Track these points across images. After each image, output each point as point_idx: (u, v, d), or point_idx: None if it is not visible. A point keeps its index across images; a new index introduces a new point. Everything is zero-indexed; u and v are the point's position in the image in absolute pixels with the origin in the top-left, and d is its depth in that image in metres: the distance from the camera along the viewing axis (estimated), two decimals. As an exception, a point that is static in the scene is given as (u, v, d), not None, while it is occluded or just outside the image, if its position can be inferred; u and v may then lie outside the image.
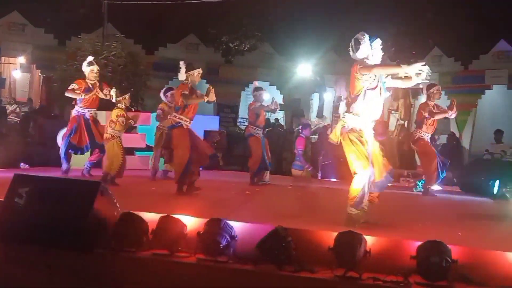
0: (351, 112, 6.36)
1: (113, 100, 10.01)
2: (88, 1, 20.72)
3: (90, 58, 10.72)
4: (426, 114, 10.12)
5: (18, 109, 18.34)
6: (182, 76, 8.49)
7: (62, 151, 10.40)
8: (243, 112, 22.79)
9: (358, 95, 6.30)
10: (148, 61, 18.47)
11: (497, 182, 9.85)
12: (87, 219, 5.76)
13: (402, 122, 20.82)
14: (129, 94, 10.25)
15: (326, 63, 22.97)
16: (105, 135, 9.88)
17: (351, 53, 6.40)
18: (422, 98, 20.98)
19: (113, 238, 5.87)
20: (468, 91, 19.24)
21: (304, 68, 22.28)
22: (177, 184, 8.42)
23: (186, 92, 8.37)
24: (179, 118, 8.42)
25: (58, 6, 22.88)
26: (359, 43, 6.34)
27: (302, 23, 24.04)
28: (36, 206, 5.99)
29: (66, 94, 10.48)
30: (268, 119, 20.23)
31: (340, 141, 6.43)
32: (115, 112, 9.80)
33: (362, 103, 6.29)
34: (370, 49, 6.36)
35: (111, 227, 5.93)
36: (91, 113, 10.49)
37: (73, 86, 10.36)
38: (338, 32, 23.47)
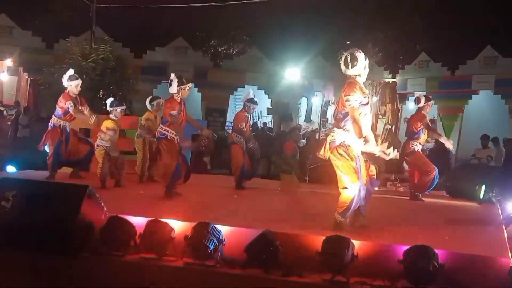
0: (341, 128, 6.32)
1: (92, 120, 10.05)
2: (76, 5, 20.65)
3: (71, 72, 10.46)
4: (422, 126, 10.08)
5: (5, 112, 18.26)
6: (173, 89, 8.54)
7: (53, 163, 10.25)
8: (231, 116, 22.81)
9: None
10: (136, 64, 18.45)
11: (483, 187, 9.90)
12: (74, 222, 5.74)
13: (390, 126, 20.94)
14: (123, 107, 10.19)
15: (315, 68, 23.04)
16: (95, 143, 9.89)
17: (343, 68, 6.30)
18: (409, 104, 21.25)
19: (101, 242, 5.85)
20: (455, 96, 19.41)
21: (292, 73, 22.33)
22: (166, 192, 8.49)
23: (175, 113, 8.48)
24: (165, 130, 8.52)
25: (46, 9, 22.82)
26: (356, 60, 6.24)
27: (290, 28, 24.12)
28: (23, 209, 5.96)
29: (78, 115, 10.36)
30: (255, 123, 20.30)
31: (329, 156, 6.37)
32: (106, 123, 9.77)
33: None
34: (363, 67, 6.32)
35: (98, 231, 5.90)
36: (70, 127, 10.48)
37: (69, 104, 10.11)
38: (327, 37, 23.61)
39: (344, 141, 6.27)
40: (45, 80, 15.42)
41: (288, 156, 12.71)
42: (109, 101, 10.15)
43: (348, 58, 6.26)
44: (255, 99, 10.73)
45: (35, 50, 19.03)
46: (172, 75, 8.66)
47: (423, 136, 10.19)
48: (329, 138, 6.41)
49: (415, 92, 20.39)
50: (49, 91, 10.95)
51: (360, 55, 6.29)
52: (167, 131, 8.49)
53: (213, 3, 18.68)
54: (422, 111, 10.24)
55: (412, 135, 10.26)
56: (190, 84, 8.74)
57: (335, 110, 6.54)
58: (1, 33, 19.27)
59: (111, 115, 9.91)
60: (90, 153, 10.60)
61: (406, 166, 11.79)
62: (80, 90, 10.38)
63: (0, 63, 20.46)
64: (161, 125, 8.69)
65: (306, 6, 23.38)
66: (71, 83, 10.24)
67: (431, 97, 10.65)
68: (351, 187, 6.20)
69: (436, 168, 10.16)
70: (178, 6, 19.13)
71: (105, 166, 9.58)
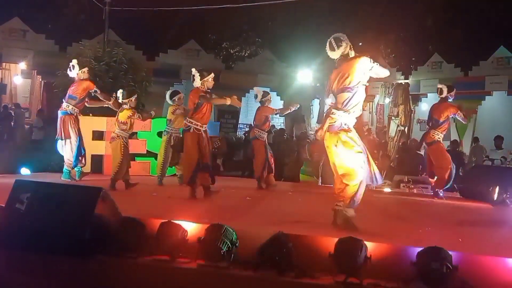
0: (342, 109, 6.19)
1: (120, 101, 10.07)
2: (89, 7, 20.75)
3: (74, 61, 10.76)
4: (446, 116, 10.05)
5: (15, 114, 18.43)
6: (197, 83, 8.60)
7: (75, 161, 10.42)
8: (243, 118, 22.83)
9: (354, 90, 6.15)
10: (149, 67, 18.50)
11: (497, 188, 9.85)
12: (88, 225, 5.78)
13: (402, 128, 20.85)
14: (135, 95, 10.24)
15: (327, 69, 22.91)
16: (112, 134, 9.91)
17: (329, 52, 6.37)
18: (422, 105, 21.17)
19: (114, 243, 5.87)
20: (468, 98, 19.27)
21: (304, 74, 22.32)
22: (188, 186, 8.51)
23: (204, 94, 8.50)
24: (189, 122, 8.53)
25: (59, 12, 22.94)
26: (340, 41, 6.29)
27: (302, 30, 24.09)
28: (37, 212, 6.00)
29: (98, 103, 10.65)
30: (273, 125, 20.33)
31: (326, 138, 6.27)
32: (125, 113, 9.81)
33: (356, 99, 6.20)
34: (349, 48, 6.32)
35: (112, 233, 5.93)
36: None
37: (96, 90, 10.51)
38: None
39: (346, 124, 6.18)
40: (59, 83, 15.51)
41: (313, 159, 12.78)
42: (120, 93, 10.17)
43: (333, 41, 6.32)
44: (264, 89, 11.00)
45: (48, 53, 19.13)
46: (193, 70, 8.70)
47: (445, 126, 10.14)
48: (328, 120, 6.26)
49: (428, 94, 20.33)
50: (62, 94, 11.00)
51: (344, 36, 6.31)
52: (191, 123, 8.50)
53: (225, 5, 18.67)
54: (447, 101, 10.20)
55: (435, 125, 10.19)
56: (212, 74, 8.77)
57: (329, 90, 6.34)
58: (14, 37, 19.39)
59: (125, 106, 9.94)
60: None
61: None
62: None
63: (14, 66, 20.63)
64: (186, 117, 8.72)
65: (318, 8, 23.34)
66: (84, 69, 10.66)
67: (453, 85, 10.59)
68: (360, 172, 6.13)
69: (453, 164, 10.12)
70: (190, 9, 19.17)
71: (124, 163, 9.60)
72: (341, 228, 6.13)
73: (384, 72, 6.37)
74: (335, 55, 6.36)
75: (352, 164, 6.16)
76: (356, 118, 6.32)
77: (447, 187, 10.39)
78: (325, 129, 6.26)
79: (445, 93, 10.21)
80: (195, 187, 8.52)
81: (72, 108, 10.39)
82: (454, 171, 10.16)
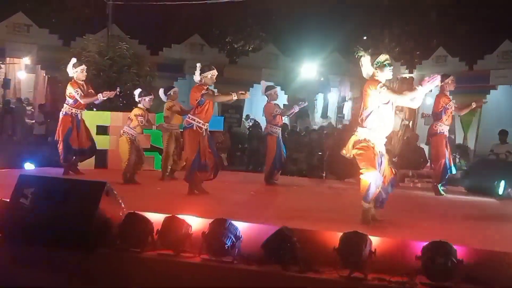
0: (364, 127, 6.45)
1: (100, 98, 10.17)
2: (92, 2, 20.74)
3: (74, 60, 10.62)
4: (446, 105, 9.98)
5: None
6: (196, 77, 8.49)
7: (63, 157, 10.37)
8: (247, 112, 22.81)
9: (372, 110, 6.39)
10: (152, 61, 18.49)
11: (502, 183, 9.82)
12: (92, 219, 5.78)
13: (407, 122, 20.78)
14: (151, 96, 10.21)
15: (331, 64, 22.97)
16: (120, 131, 9.92)
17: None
18: (427, 99, 21.11)
19: (118, 238, 5.89)
20: (473, 92, 19.17)
21: (308, 69, 22.28)
22: (187, 183, 8.48)
23: (206, 92, 8.37)
24: (192, 119, 8.40)
25: (62, 7, 22.94)
26: (361, 65, 6.52)
27: (306, 24, 24.05)
28: (42, 206, 6.02)
29: (86, 101, 10.48)
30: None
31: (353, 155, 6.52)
32: (134, 111, 9.85)
33: (376, 118, 6.40)
34: (374, 66, 6.49)
35: (116, 228, 5.94)
36: (81, 115, 10.57)
37: (78, 91, 10.23)
38: (343, 33, 23.52)
39: (366, 138, 6.40)
40: (63, 77, 15.51)
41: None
42: (137, 91, 10.21)
43: (360, 63, 6.55)
44: (270, 83, 10.83)
45: (52, 48, 19.12)
46: (198, 64, 8.55)
47: (445, 117, 10.04)
48: (353, 138, 6.54)
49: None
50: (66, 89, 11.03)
51: (364, 59, 6.50)
52: (194, 120, 8.36)
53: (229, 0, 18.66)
54: (443, 91, 10.09)
55: (435, 117, 10.13)
56: (213, 72, 8.52)
57: (360, 111, 6.61)
58: (18, 31, 19.39)
59: (139, 105, 9.97)
60: (90, 150, 10.76)
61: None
62: (86, 75, 10.58)
63: (18, 61, 20.63)
64: (189, 114, 8.60)
65: (322, 2, 23.30)
66: (76, 69, 10.41)
67: (448, 74, 10.48)
68: (367, 174, 6.31)
69: (446, 156, 10.02)
70: (194, 3, 19.13)
71: (132, 158, 9.62)
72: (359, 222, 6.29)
73: (401, 100, 6.61)
74: (364, 74, 6.60)
75: (363, 166, 6.41)
76: (382, 134, 6.53)
77: (443, 181, 10.28)
78: (351, 146, 6.54)
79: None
80: (193, 184, 8.46)
81: (68, 109, 10.37)
82: (447, 167, 10.06)
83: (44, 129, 17.47)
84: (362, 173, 6.37)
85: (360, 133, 6.47)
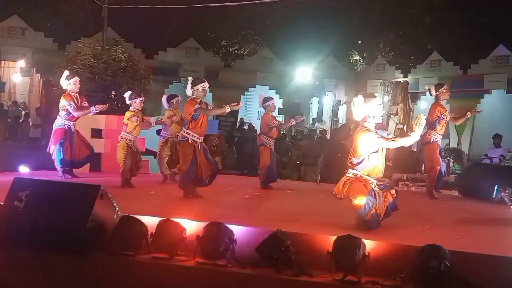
0: (355, 170, 6.43)
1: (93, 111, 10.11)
2: (88, 5, 20.74)
3: (66, 72, 10.60)
4: (441, 115, 9.99)
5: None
6: (188, 91, 8.47)
7: (60, 173, 10.33)
8: (242, 115, 22.83)
9: (361, 158, 6.38)
10: (148, 65, 18.51)
11: (495, 187, 9.84)
12: (87, 222, 5.78)
13: (401, 126, 20.86)
14: (141, 98, 10.15)
15: (325, 68, 23.05)
16: (119, 137, 9.91)
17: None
18: (421, 103, 21.19)
19: (113, 241, 5.88)
20: (467, 96, 19.28)
21: (303, 73, 22.34)
22: (182, 190, 8.51)
23: (199, 106, 8.34)
24: (186, 133, 8.38)
25: (58, 10, 22.93)
26: (353, 105, 6.49)
27: (301, 28, 24.13)
28: (36, 209, 6.01)
29: (78, 115, 10.41)
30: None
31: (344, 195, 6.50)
32: (126, 114, 9.80)
33: (367, 164, 6.39)
34: (367, 110, 6.45)
35: (111, 231, 5.94)
36: (74, 126, 10.51)
37: (71, 104, 10.18)
38: (338, 37, 23.60)
39: (356, 174, 6.41)
40: (58, 81, 15.49)
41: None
42: (127, 94, 10.13)
43: (352, 103, 6.57)
44: (268, 95, 10.81)
45: (47, 51, 19.15)
46: (189, 78, 8.54)
47: (439, 127, 10.06)
48: (344, 178, 6.51)
49: (427, 92, 20.32)
50: (61, 92, 10.95)
51: (357, 99, 6.49)
52: (189, 134, 8.36)
53: (224, 3, 18.67)
54: (438, 100, 10.11)
55: (429, 125, 10.14)
56: (204, 84, 8.47)
57: (349, 155, 6.60)
58: (13, 35, 19.41)
59: (131, 108, 9.93)
60: (88, 158, 10.77)
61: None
62: (79, 86, 10.54)
63: (13, 64, 20.62)
64: (183, 128, 8.57)
65: (317, 6, 23.36)
66: (69, 81, 10.36)
67: (442, 83, 10.52)
68: (358, 200, 6.28)
69: (441, 163, 10.08)
70: (189, 7, 19.15)
71: (127, 163, 9.62)
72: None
73: (390, 145, 6.55)
74: (354, 116, 6.62)
75: (353, 193, 6.39)
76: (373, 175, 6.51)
77: (438, 186, 10.33)
78: (341, 186, 6.50)
79: (433, 92, 10.17)
80: (187, 191, 8.49)
81: (61, 121, 10.35)
82: (442, 174, 10.10)
83: (40, 132, 17.43)
84: (353, 200, 6.32)
85: (350, 173, 6.46)
